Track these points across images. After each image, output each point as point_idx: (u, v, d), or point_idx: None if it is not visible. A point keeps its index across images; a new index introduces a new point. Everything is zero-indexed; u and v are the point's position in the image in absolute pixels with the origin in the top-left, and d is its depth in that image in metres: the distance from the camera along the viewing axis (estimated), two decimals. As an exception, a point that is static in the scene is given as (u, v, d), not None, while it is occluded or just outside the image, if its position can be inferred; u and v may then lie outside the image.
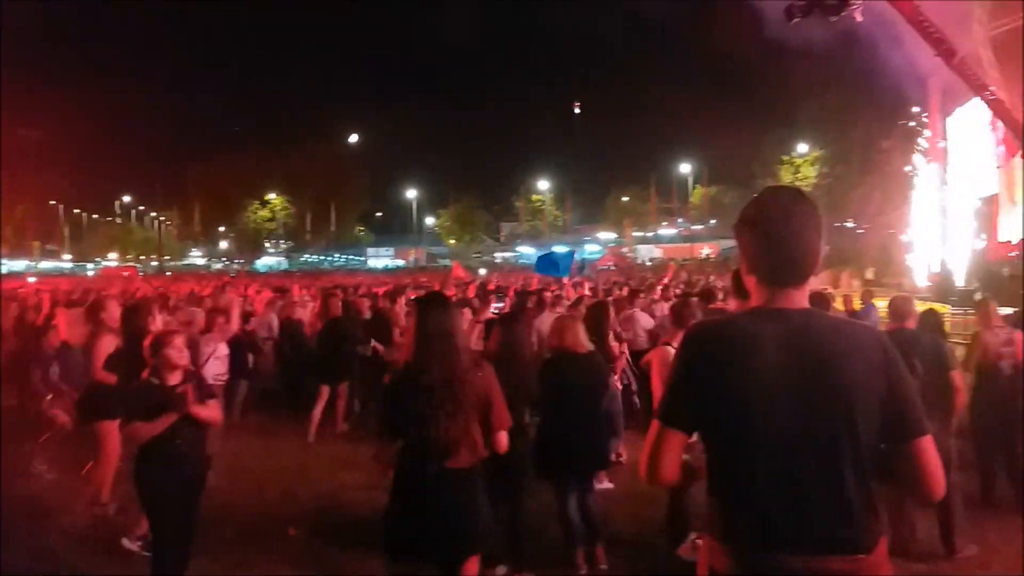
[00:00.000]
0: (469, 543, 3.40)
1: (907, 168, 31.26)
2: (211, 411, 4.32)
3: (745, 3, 21.05)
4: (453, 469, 3.31)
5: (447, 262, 69.63)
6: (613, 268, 51.97)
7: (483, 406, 3.39)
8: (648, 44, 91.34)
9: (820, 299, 10.06)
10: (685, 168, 73.72)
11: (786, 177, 61.99)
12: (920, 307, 6.18)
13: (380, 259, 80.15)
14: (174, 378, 4.24)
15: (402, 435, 3.37)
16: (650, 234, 76.41)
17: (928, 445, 1.81)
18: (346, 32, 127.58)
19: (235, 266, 62.73)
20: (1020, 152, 19.05)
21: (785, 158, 62.19)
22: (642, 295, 11.18)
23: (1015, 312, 8.52)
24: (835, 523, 1.73)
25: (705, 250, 67.51)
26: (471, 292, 12.77)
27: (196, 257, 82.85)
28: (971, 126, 23.30)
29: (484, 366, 3.54)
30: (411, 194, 79.79)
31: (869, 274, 33.04)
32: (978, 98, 16.91)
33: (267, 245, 78.23)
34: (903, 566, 4.90)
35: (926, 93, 26.81)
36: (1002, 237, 21.62)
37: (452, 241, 75.94)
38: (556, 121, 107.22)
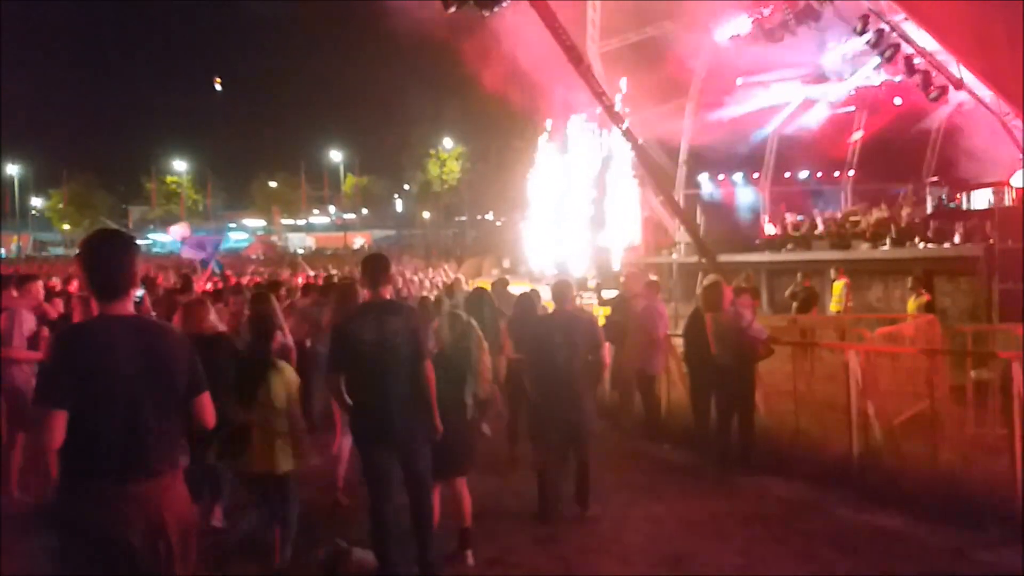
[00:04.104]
0: None
1: (532, 167, 34.46)
2: None
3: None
4: None
5: (60, 250, 59.83)
6: (261, 258, 49.39)
7: None
8: (296, 27, 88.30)
9: (449, 290, 10.24)
10: (336, 156, 72.64)
11: (433, 170, 64.78)
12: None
13: (-32, 247, 65.74)
14: None
15: None
16: (302, 222, 74.15)
17: (206, 398, 2.70)
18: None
19: None
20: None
21: (432, 152, 64.87)
22: (283, 289, 10.19)
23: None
24: (161, 457, 2.54)
25: (359, 240, 67.52)
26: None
27: None
28: (587, 130, 26.44)
29: None
30: (11, 170, 66.55)
31: (506, 263, 35.93)
32: (597, 103, 19.06)
33: None
34: (529, 529, 5.17)
35: (551, 97, 29.73)
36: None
37: (67, 227, 65.35)
38: (193, 96, 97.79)
